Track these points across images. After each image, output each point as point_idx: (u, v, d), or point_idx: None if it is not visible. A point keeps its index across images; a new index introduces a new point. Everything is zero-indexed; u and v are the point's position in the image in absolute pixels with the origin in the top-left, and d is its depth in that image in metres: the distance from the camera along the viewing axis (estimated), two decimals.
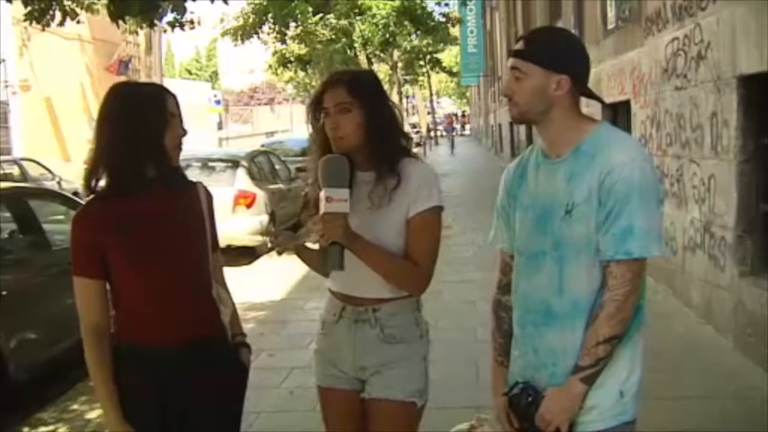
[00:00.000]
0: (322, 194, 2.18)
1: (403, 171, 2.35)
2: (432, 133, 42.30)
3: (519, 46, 2.09)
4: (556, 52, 2.06)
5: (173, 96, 2.29)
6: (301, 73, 32.97)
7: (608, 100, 8.59)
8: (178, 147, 2.29)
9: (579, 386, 1.99)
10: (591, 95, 2.15)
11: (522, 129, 19.07)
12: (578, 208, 2.00)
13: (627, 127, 8.16)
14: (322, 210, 2.19)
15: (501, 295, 2.30)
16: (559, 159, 2.08)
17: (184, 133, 2.30)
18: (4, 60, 6.91)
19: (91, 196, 2.29)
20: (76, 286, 2.24)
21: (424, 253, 2.34)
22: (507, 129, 24.41)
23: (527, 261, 2.13)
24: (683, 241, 6.56)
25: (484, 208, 13.17)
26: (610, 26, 9.62)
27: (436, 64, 36.70)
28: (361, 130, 2.33)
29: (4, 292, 5.03)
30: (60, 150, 28.02)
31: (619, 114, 8.72)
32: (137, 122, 2.18)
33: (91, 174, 2.26)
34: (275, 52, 27.19)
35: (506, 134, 24.90)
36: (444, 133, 40.85)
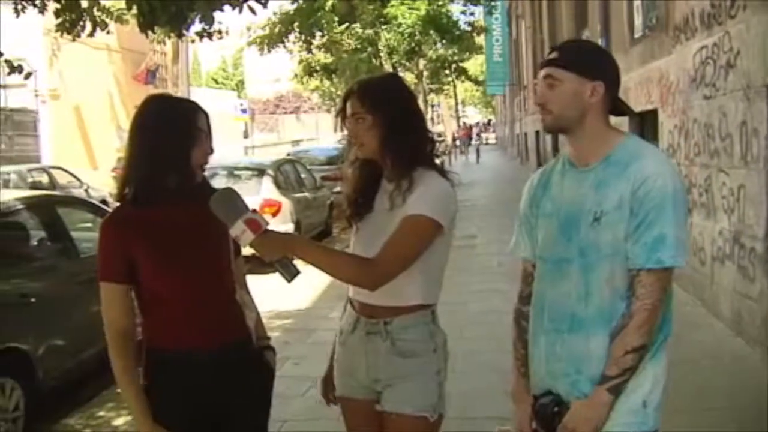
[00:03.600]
0: (232, 233, 2.15)
1: (416, 177, 2.35)
2: (457, 142, 42.10)
3: (552, 55, 2.10)
4: (590, 60, 2.09)
5: (205, 114, 2.33)
6: (327, 82, 33.15)
7: (635, 109, 8.54)
8: (205, 163, 2.32)
9: (606, 396, 1.98)
10: (621, 105, 2.15)
11: (548, 138, 18.97)
12: (607, 216, 2.01)
13: (654, 137, 8.10)
14: (245, 246, 2.19)
15: (523, 305, 2.30)
16: (587, 168, 2.09)
17: (212, 152, 2.34)
18: (36, 70, 7.05)
19: (119, 204, 2.34)
20: (103, 292, 2.27)
21: (389, 253, 2.25)
22: (533, 138, 24.30)
23: (552, 268, 2.13)
24: (712, 251, 6.49)
25: (511, 217, 13.09)
26: (638, 34, 9.56)
27: (462, 73, 36.64)
28: (377, 138, 2.36)
29: (32, 299, 5.10)
30: (88, 158, 28.34)
31: (646, 123, 8.66)
32: (166, 135, 2.23)
33: (123, 182, 2.31)
34: (301, 61, 27.33)
35: (532, 143, 24.79)
36: (459, 145, 40.19)
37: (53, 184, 17.23)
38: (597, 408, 1.99)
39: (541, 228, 2.18)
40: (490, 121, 47.14)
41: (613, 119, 2.16)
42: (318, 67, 27.47)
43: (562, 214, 2.11)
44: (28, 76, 6.10)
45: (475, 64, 48.68)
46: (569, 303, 2.06)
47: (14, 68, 5.65)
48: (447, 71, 35.83)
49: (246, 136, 44.43)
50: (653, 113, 8.37)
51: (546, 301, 2.14)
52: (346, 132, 2.47)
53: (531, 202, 2.25)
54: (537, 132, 22.84)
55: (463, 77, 38.55)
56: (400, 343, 2.39)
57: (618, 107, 2.15)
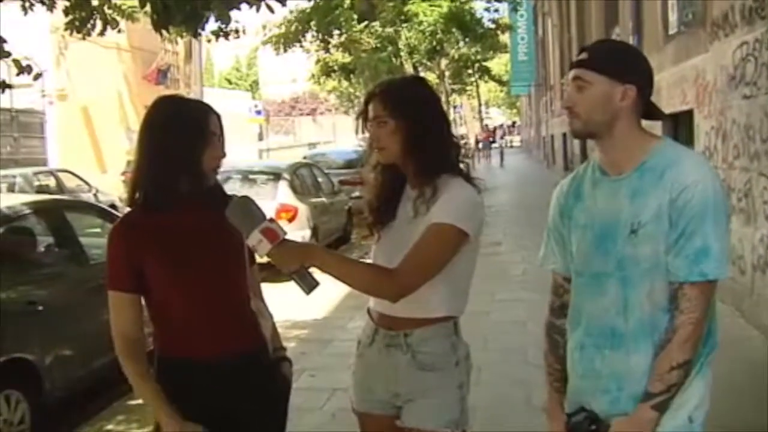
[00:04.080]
0: (249, 243, 2.16)
1: (440, 184, 2.35)
2: (480, 145, 42.00)
3: (582, 56, 2.08)
4: (622, 61, 2.07)
5: (217, 115, 2.34)
6: (345, 83, 33.22)
7: (668, 110, 8.47)
8: (216, 168, 2.33)
9: (650, 413, 1.96)
10: (653, 110, 2.13)
11: (576, 141, 18.91)
12: (645, 227, 1.99)
13: (689, 139, 8.04)
14: (261, 257, 2.20)
15: (555, 318, 2.28)
16: (620, 176, 2.06)
17: (224, 155, 2.34)
18: (45, 71, 7.09)
19: (129, 209, 2.36)
20: (111, 301, 2.28)
21: (411, 263, 2.25)
22: (560, 141, 24.22)
23: (588, 282, 2.11)
24: (752, 259, 6.42)
25: (536, 224, 13.06)
26: (672, 31, 9.50)
27: (485, 72, 36.65)
28: (399, 143, 2.36)
29: (40, 307, 5.13)
30: (97, 161, 28.53)
31: (680, 125, 8.59)
32: (176, 138, 2.23)
33: (133, 187, 2.32)
34: (318, 61, 27.45)
35: (559, 146, 24.71)
36: (480, 150, 39.88)
37: (61, 187, 17.36)
38: (641, 425, 1.97)
39: (574, 240, 2.16)
40: (514, 123, 47.07)
41: (645, 122, 2.14)
42: (336, 67, 27.59)
43: (597, 227, 2.08)
44: (37, 77, 6.12)
45: (499, 64, 48.60)
46: (608, 318, 2.04)
47: (23, 69, 5.67)
48: (470, 71, 35.82)
49: (260, 138, 44.67)
50: (688, 114, 8.31)
51: (583, 316, 2.12)
52: (367, 135, 2.48)
53: (561, 211, 2.22)
54: (564, 134, 22.77)
55: (486, 77, 38.59)
56: (421, 356, 2.38)
57: (651, 111, 2.12)
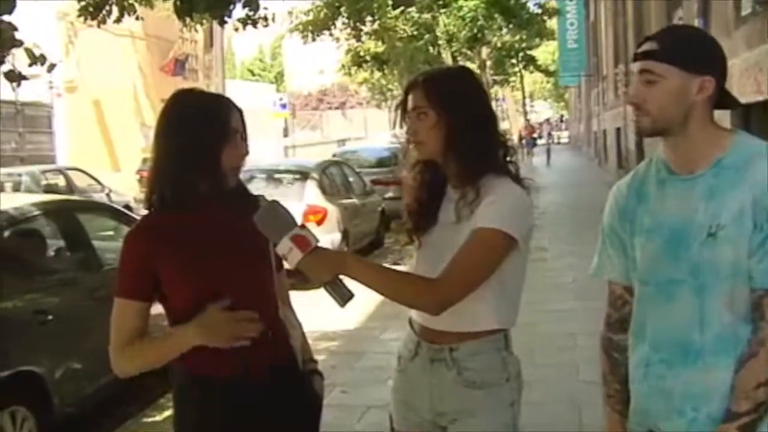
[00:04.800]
0: (279, 251, 2.16)
1: (485, 185, 2.33)
2: (523, 141, 41.78)
3: (649, 46, 2.04)
4: (697, 51, 2.03)
5: (239, 111, 2.35)
6: (377, 74, 33.23)
7: (740, 100, 8.34)
8: (239, 166, 2.34)
9: None
10: (726, 98, 2.09)
11: (631, 137, 18.74)
12: (725, 229, 1.96)
13: (763, 133, 7.92)
14: (292, 267, 2.19)
15: (612, 333, 2.24)
16: (693, 175, 2.03)
17: (247, 153, 2.35)
18: (58, 62, 7.00)
19: (146, 212, 2.38)
20: (115, 308, 2.30)
21: (455, 272, 2.24)
22: (613, 136, 24.02)
23: (656, 291, 2.07)
24: None
25: (586, 227, 12.90)
26: (745, 12, 9.35)
27: (530, 62, 36.48)
28: (439, 137, 2.36)
29: (49, 317, 5.17)
30: (109, 158, 28.87)
31: (753, 116, 8.46)
32: (195, 135, 2.25)
33: (150, 188, 2.34)
34: (349, 51, 27.47)
35: (612, 142, 24.52)
36: (525, 147, 39.45)
37: (71, 187, 17.57)
38: None
39: (638, 246, 2.12)
40: (562, 117, 46.69)
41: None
42: (368, 57, 27.57)
43: (666, 230, 2.05)
44: (51, 67, 6.17)
45: (545, 52, 48.40)
46: (680, 331, 2.01)
47: (36, 59, 5.72)
48: (513, 60, 35.70)
49: (286, 134, 44.91)
50: (762, 105, 8.17)
51: (648, 329, 2.09)
52: (402, 130, 2.48)
53: (621, 215, 2.18)
54: (617, 130, 22.58)
55: (531, 67, 38.38)
56: (468, 372, 2.37)
57: (724, 100, 2.09)
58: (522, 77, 47.36)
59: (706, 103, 2.02)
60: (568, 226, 14.25)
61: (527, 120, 45.39)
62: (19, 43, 5.41)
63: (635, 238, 2.13)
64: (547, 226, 13.69)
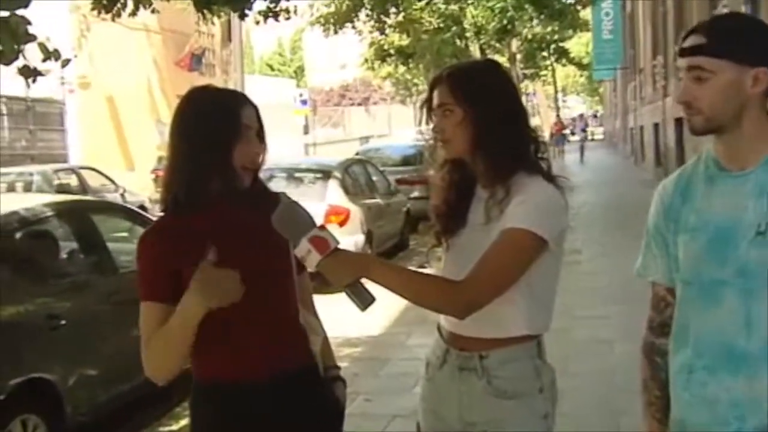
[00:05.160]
0: (297, 253, 2.17)
1: (515, 184, 2.33)
2: (553, 139, 41.57)
3: (696, 40, 2.01)
4: (749, 41, 2.00)
5: (253, 107, 2.36)
6: (402, 68, 33.30)
7: None
8: (253, 165, 2.34)
9: None
10: None
11: (670, 133, 18.63)
12: None
13: None
14: (311, 269, 2.20)
15: (655, 337, 2.23)
16: (744, 171, 2.01)
17: (262, 150, 2.36)
18: (73, 57, 6.96)
19: (161, 214, 2.41)
20: (144, 313, 2.30)
21: (481, 274, 2.24)
22: (650, 132, 23.88)
23: (699, 293, 2.06)
24: None
25: (622, 228, 12.95)
26: None
27: (563, 54, 36.44)
28: (466, 134, 2.36)
29: (62, 322, 5.20)
30: (123, 157, 29.08)
31: None
32: (205, 133, 2.27)
33: (165, 188, 2.36)
34: (372, 44, 27.53)
35: (649, 139, 24.37)
36: (552, 146, 39.03)
37: (83, 187, 17.69)
38: None
39: (681, 245, 2.10)
40: (596, 113, 46.31)
41: None
42: (392, 51, 27.65)
43: (712, 228, 2.03)
44: (66, 63, 6.19)
45: (578, 44, 48.19)
46: (725, 335, 1.99)
47: (49, 54, 5.74)
48: (545, 53, 35.64)
49: (306, 131, 44.96)
50: None
51: (691, 333, 2.07)
52: (428, 127, 2.48)
53: (666, 213, 2.17)
54: (655, 125, 22.44)
55: (564, 60, 38.32)
56: (499, 381, 2.36)
57: None
58: (554, 71, 47.27)
59: (761, 96, 1.99)
60: (603, 227, 14.19)
61: (558, 116, 45.06)
62: (32, 38, 5.44)
63: (679, 236, 2.12)
64: (581, 228, 13.62)
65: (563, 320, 7.36)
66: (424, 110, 2.48)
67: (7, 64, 5.46)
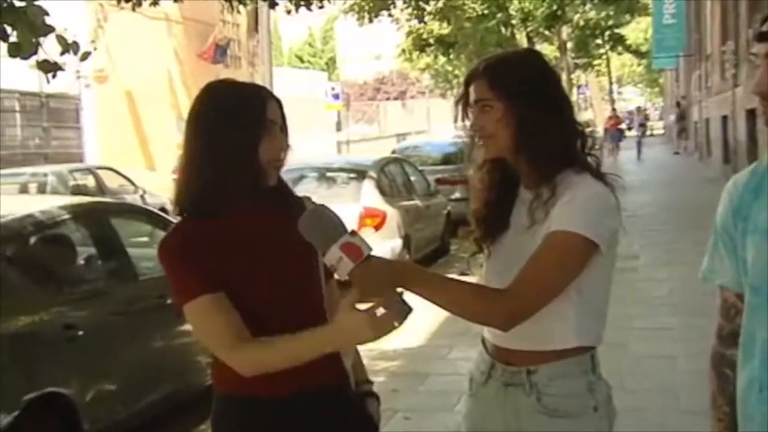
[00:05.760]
0: (327, 261, 2.16)
1: (561, 183, 2.33)
2: (607, 135, 41.14)
3: None
4: None
5: (277, 101, 2.38)
6: (442, 59, 33.31)
7: None
8: (277, 162, 2.36)
9: None
10: None
11: (740, 126, 18.42)
12: None
13: None
14: (342, 278, 2.19)
15: (724, 348, 2.21)
16: None
17: (287, 146, 2.37)
18: (93, 50, 6.90)
19: (179, 218, 2.41)
20: (193, 314, 2.28)
21: (524, 282, 2.24)
22: (718, 126, 23.61)
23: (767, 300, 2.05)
24: None
25: (685, 232, 12.86)
26: None
27: (619, 41, 36.18)
28: (507, 132, 2.36)
29: (79, 332, 5.25)
30: (143, 156, 29.33)
31: None
32: (226, 130, 2.28)
33: (179, 190, 2.38)
34: (410, 33, 27.57)
35: (716, 133, 24.11)
36: (606, 142, 38.25)
37: (101, 188, 17.84)
38: None
39: (750, 247, 2.08)
40: (678, 102, 45.63)
41: None
42: (431, 40, 27.66)
43: None
44: (85, 56, 6.21)
45: (636, 30, 47.83)
46: None
47: (68, 46, 5.79)
48: (599, 41, 35.42)
49: (338, 128, 45.14)
50: None
51: (757, 344, 2.06)
52: (468, 124, 2.47)
53: (735, 212, 2.15)
54: (723, 118, 22.19)
55: (620, 48, 38.01)
56: (549, 398, 2.36)
57: None
58: (608, 60, 46.99)
59: None
60: (663, 230, 14.05)
61: (613, 109, 44.66)
62: (51, 29, 5.49)
63: (748, 237, 2.10)
64: (638, 231, 13.53)
65: (619, 333, 7.35)
66: (460, 107, 2.48)
67: (25, 57, 5.51)
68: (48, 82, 6.06)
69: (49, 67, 5.81)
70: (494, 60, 2.48)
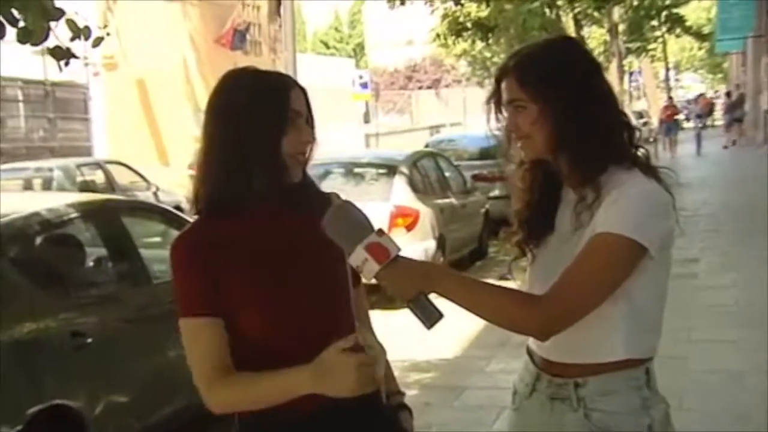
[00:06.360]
0: (352, 262, 2.19)
1: (608, 181, 2.32)
2: (663, 126, 40.63)
3: None
4: None
5: (302, 89, 2.38)
6: (480, 44, 33.12)
7: None
8: (302, 156, 2.36)
9: None
10: None
11: None
12: None
13: None
14: (368, 280, 2.22)
15: None
16: None
17: (314, 140, 2.38)
18: (105, 36, 6.80)
19: (196, 216, 2.43)
20: (186, 331, 2.33)
21: (565, 287, 2.25)
22: None
23: None
24: None
25: (752, 234, 12.73)
26: None
27: (677, 23, 35.64)
28: (544, 133, 2.36)
29: (88, 340, 5.28)
30: (156, 149, 29.40)
31: None
32: (247, 120, 2.29)
33: (196, 187, 2.39)
34: (445, 16, 27.46)
35: None
36: (660, 135, 37.58)
37: (111, 184, 17.92)
38: None
39: None
40: (729, 93, 44.73)
41: None
42: (469, 24, 27.52)
43: None
44: (98, 42, 6.22)
45: (697, 10, 47.44)
46: None
47: (79, 31, 5.78)
48: (654, 22, 35.05)
49: (367, 119, 45.15)
50: None
51: None
52: (502, 119, 2.47)
53: None
54: None
55: (678, 30, 37.50)
56: (598, 414, 2.36)
57: None
58: (665, 43, 46.54)
59: None
60: (727, 232, 13.99)
61: (669, 98, 44.16)
62: (61, 13, 5.49)
63: None
64: (698, 233, 13.45)
65: (677, 346, 7.29)
66: (492, 105, 2.48)
67: (36, 44, 5.52)
68: (60, 70, 6.05)
69: (62, 55, 5.79)
70: (523, 55, 2.45)
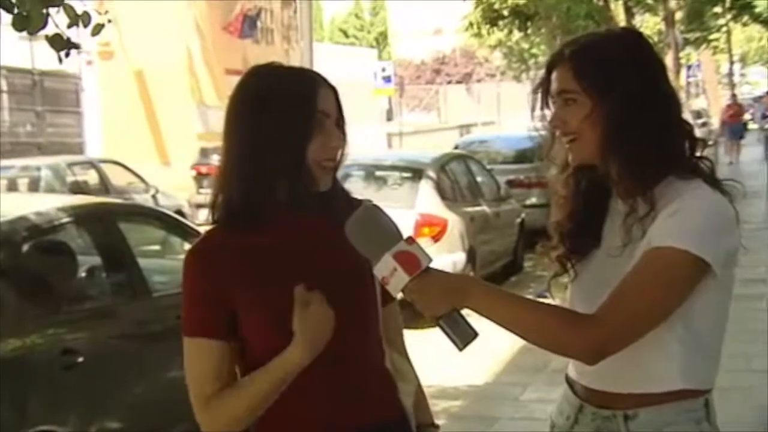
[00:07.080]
0: (378, 273, 2.19)
1: (664, 191, 2.31)
2: (725, 129, 40.03)
3: None
4: None
5: (331, 88, 2.39)
6: (518, 34, 33.06)
7: None
8: (331, 162, 2.37)
9: None
10: None
11: None
12: None
13: None
14: (396, 293, 2.22)
15: None
16: None
17: (344, 144, 2.39)
18: (106, 22, 6.71)
19: (212, 226, 2.44)
20: (188, 350, 2.37)
21: (616, 306, 2.22)
22: None
23: None
24: None
25: None
26: None
27: (744, 9, 35.36)
28: (595, 132, 2.35)
29: (80, 358, 5.29)
30: (156, 148, 29.51)
31: None
32: (269, 124, 2.30)
33: (215, 195, 2.41)
34: (479, 2, 27.45)
35: None
36: (724, 138, 36.56)
37: (105, 185, 17.98)
38: None
39: None
40: None
41: None
42: (505, 11, 27.50)
43: None
44: (98, 29, 6.22)
45: None
46: None
47: (77, 17, 5.77)
48: (717, 9, 34.84)
49: (389, 117, 45.15)
50: None
51: None
52: (547, 114, 2.47)
53: None
54: None
55: (745, 17, 37.23)
56: None
57: None
58: (729, 33, 46.15)
59: None
60: None
61: (733, 95, 43.56)
62: (58, 0, 5.50)
63: None
64: (764, 249, 13.37)
65: (739, 375, 7.24)
66: (539, 96, 2.47)
67: (33, 32, 5.53)
68: (60, 61, 6.05)
69: (62, 45, 5.77)
70: (583, 44, 2.44)
